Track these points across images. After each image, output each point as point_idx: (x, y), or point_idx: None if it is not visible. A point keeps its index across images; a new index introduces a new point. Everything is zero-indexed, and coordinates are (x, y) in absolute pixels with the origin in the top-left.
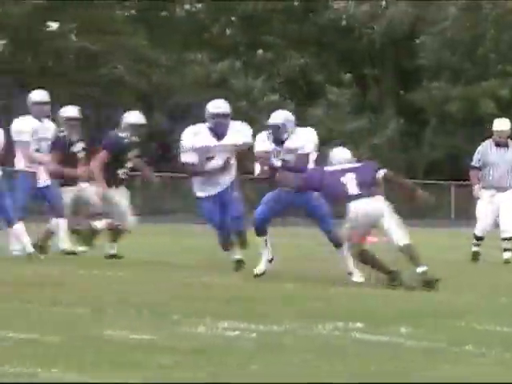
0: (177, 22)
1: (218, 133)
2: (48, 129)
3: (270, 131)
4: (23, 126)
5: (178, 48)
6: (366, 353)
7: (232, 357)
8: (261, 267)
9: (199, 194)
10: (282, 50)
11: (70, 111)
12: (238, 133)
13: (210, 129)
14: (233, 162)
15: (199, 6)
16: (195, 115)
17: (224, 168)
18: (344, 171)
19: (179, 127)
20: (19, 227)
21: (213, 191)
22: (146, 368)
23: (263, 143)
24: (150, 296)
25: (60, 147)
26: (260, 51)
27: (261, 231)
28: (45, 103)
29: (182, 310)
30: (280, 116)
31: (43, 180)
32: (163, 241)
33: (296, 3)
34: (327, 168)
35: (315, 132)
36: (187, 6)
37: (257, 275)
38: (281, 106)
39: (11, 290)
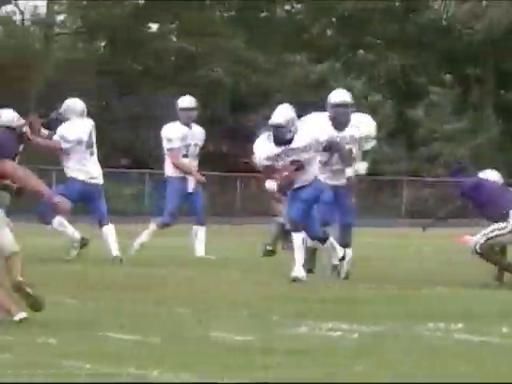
0: (277, 22)
1: (339, 123)
2: (195, 134)
3: (272, 131)
4: (172, 133)
5: (278, 49)
6: (467, 353)
7: (335, 358)
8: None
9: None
10: (383, 50)
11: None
12: (361, 124)
13: (331, 119)
14: (354, 154)
15: (299, 6)
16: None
17: (344, 160)
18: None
19: None
20: (110, 229)
21: (329, 182)
22: (248, 368)
23: (267, 147)
24: (251, 297)
25: None
26: (361, 52)
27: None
28: (192, 109)
29: (283, 311)
30: (283, 114)
31: (191, 186)
32: (264, 241)
33: (397, 3)
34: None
35: (315, 117)
36: (287, 7)
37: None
38: (382, 106)
39: (118, 291)
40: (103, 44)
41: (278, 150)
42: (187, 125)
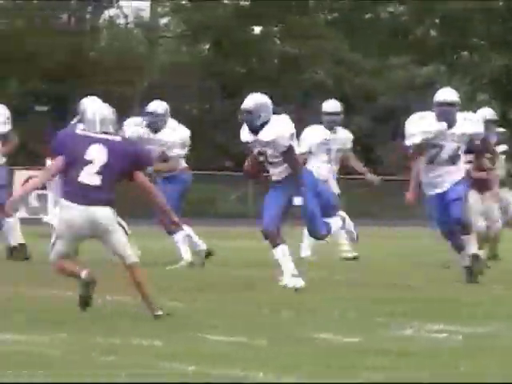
0: (380, 24)
1: (443, 121)
2: (338, 139)
3: (243, 117)
4: (310, 136)
5: (381, 51)
6: None
7: (440, 359)
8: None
9: (426, 191)
10: (486, 51)
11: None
12: (466, 122)
13: (436, 117)
14: (460, 153)
15: (401, 8)
16: (398, 118)
17: (451, 160)
18: None
19: (382, 130)
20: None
21: (438, 188)
22: (353, 370)
23: (243, 132)
24: (357, 299)
25: None
26: (465, 53)
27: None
28: (336, 113)
29: (388, 313)
30: (252, 100)
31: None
32: (366, 244)
33: (500, 3)
34: None
35: (290, 120)
36: (391, 9)
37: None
38: (487, 106)
39: (222, 293)
40: (207, 47)
41: (249, 137)
42: (331, 129)
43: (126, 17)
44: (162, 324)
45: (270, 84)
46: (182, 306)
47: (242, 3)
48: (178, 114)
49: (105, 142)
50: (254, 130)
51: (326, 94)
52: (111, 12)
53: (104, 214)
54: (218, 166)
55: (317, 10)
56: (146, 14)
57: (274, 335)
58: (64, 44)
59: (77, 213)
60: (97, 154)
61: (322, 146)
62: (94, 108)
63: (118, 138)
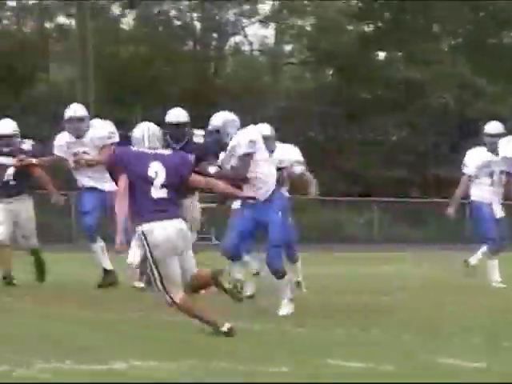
0: (504, 49)
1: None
2: (499, 161)
3: (211, 137)
4: (472, 158)
5: (505, 76)
6: None
7: None
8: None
9: None
10: None
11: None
12: None
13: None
14: None
15: None
16: None
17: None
18: None
19: None
20: None
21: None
22: None
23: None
24: (483, 322)
25: None
26: None
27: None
28: (499, 135)
29: None
30: (219, 118)
31: (498, 212)
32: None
33: None
34: None
35: (254, 129)
36: None
37: None
38: None
39: (341, 318)
40: (331, 72)
41: (222, 156)
42: (493, 151)
43: (250, 44)
44: (287, 350)
45: (396, 109)
46: (307, 331)
47: (366, 29)
48: (303, 141)
49: (159, 156)
50: (225, 149)
51: (449, 119)
52: (237, 39)
53: (185, 226)
54: (344, 192)
55: (441, 36)
56: (271, 41)
57: (399, 361)
58: (190, 70)
59: (169, 229)
60: (157, 170)
61: (485, 169)
62: (142, 127)
63: (167, 152)
